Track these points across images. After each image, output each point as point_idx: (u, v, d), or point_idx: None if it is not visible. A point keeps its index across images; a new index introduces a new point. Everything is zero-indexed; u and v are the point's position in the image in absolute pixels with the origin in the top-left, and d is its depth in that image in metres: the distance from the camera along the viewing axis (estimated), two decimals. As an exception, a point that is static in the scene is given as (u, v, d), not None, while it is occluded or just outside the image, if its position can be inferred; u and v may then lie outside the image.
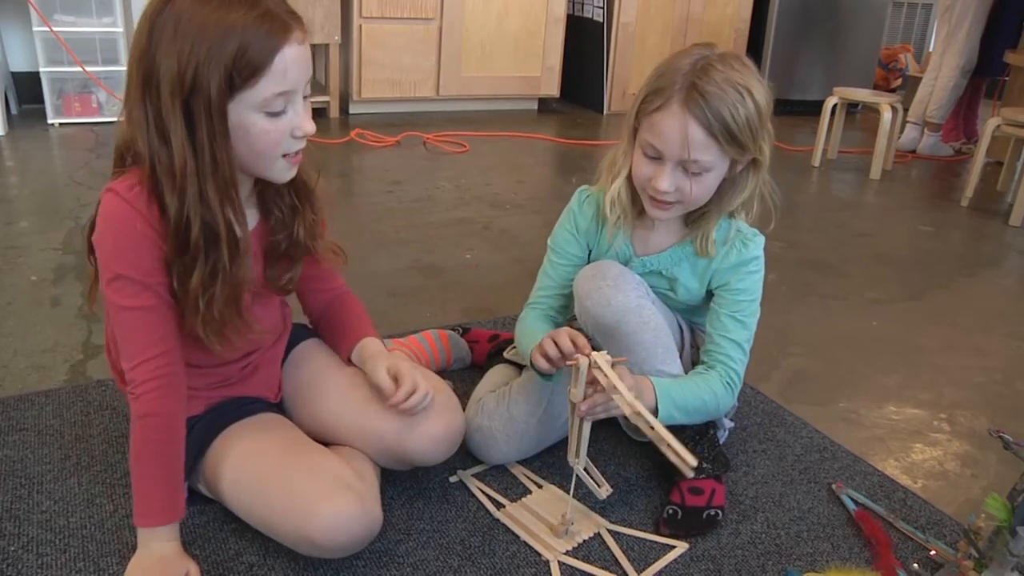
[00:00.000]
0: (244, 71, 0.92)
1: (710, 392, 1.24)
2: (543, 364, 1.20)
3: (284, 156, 1.01)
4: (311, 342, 1.31)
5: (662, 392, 1.20)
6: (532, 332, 1.32)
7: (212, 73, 0.91)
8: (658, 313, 1.27)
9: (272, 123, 0.97)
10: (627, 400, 1.08)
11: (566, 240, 1.37)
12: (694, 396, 1.23)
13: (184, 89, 0.92)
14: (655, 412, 1.20)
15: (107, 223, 0.99)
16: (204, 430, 1.13)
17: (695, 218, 1.29)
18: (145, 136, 0.95)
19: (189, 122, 0.94)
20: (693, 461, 1.04)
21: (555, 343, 1.17)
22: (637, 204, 1.29)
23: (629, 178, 1.26)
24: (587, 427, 1.17)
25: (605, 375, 1.10)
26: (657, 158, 1.19)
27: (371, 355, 1.21)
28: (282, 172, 1.04)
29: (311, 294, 1.28)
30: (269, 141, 0.98)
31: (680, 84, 1.14)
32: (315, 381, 1.25)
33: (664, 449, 1.07)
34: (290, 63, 0.95)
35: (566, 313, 1.40)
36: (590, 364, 1.11)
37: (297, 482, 1.04)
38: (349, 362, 1.25)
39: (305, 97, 1.01)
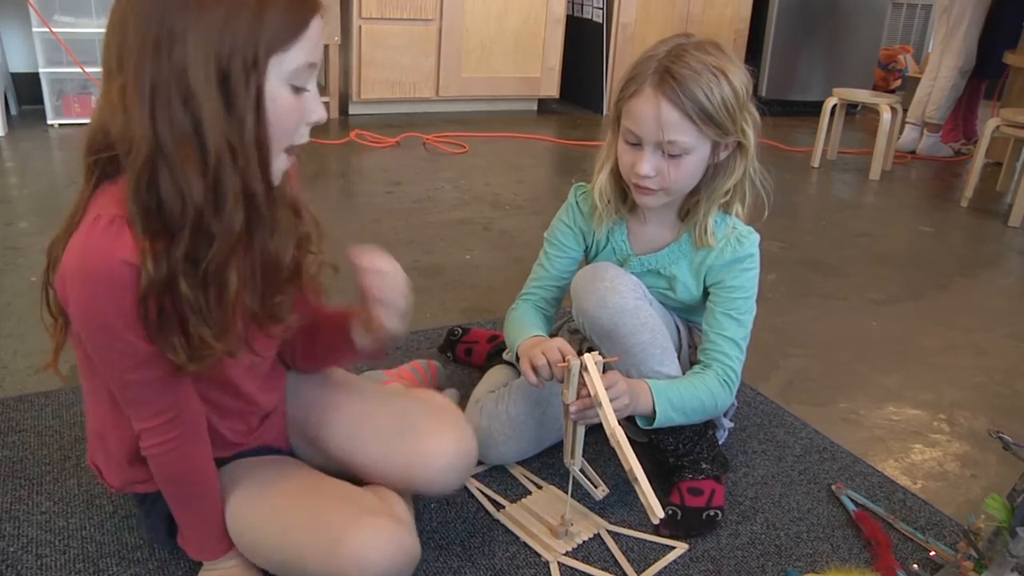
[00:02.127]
0: (284, 32, 0.83)
1: (708, 391, 1.24)
2: (532, 378, 1.19)
3: (287, 151, 0.91)
4: (298, 377, 1.19)
5: (659, 394, 1.20)
6: (521, 324, 1.32)
7: (258, 32, 0.81)
8: (655, 314, 1.27)
9: (295, 101, 0.87)
10: (608, 421, 1.07)
11: (563, 232, 1.37)
12: (692, 396, 1.23)
13: (223, 50, 0.80)
14: (652, 415, 1.20)
15: (83, 283, 0.84)
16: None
17: (688, 208, 1.29)
18: (148, 115, 0.80)
19: (226, 94, 0.81)
20: (659, 512, 1.06)
21: (545, 357, 1.18)
22: (629, 199, 1.30)
23: (614, 171, 1.28)
24: (581, 428, 1.17)
25: (593, 385, 1.09)
26: (637, 144, 1.20)
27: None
28: (279, 169, 0.91)
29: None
30: (288, 123, 0.88)
31: (654, 69, 1.17)
32: (317, 419, 1.15)
33: (636, 487, 1.07)
34: (319, 33, 0.88)
35: (557, 306, 1.41)
36: (581, 366, 1.11)
37: (323, 512, 0.97)
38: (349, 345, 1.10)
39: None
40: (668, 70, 1.15)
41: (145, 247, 0.83)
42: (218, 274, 0.87)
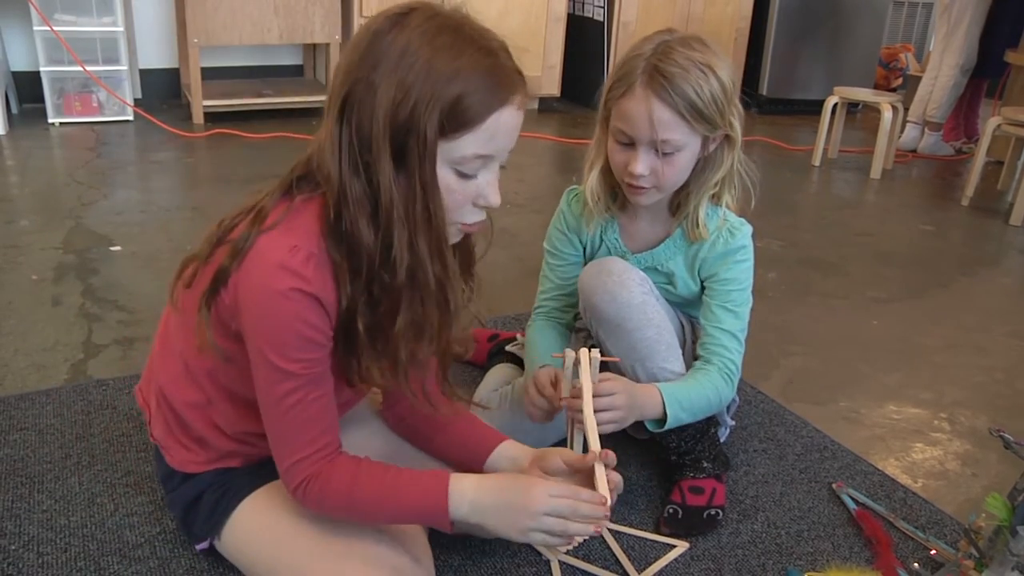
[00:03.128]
0: (455, 120, 0.83)
1: (712, 388, 1.25)
2: (536, 415, 1.20)
3: (459, 223, 0.91)
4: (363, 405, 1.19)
5: (669, 398, 1.20)
6: (533, 348, 1.33)
7: (430, 114, 0.82)
8: (661, 310, 1.27)
9: (459, 184, 0.87)
10: (586, 421, 1.05)
11: (559, 240, 1.37)
12: (698, 396, 1.23)
13: (397, 123, 0.82)
14: (664, 419, 1.20)
15: (268, 310, 0.86)
16: (238, 486, 1.03)
17: (679, 202, 1.29)
18: (337, 160, 0.84)
19: (399, 161, 0.84)
20: (605, 493, 0.97)
21: (534, 385, 1.19)
22: (620, 198, 1.30)
23: (604, 170, 1.28)
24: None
25: (582, 387, 1.08)
26: (629, 144, 1.20)
27: (537, 451, 1.08)
28: (450, 238, 0.92)
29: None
30: (451, 202, 0.88)
31: (643, 68, 1.16)
32: (368, 443, 1.12)
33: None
34: (501, 128, 0.86)
35: (571, 312, 1.40)
36: (576, 360, 1.11)
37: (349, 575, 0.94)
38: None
39: (502, 166, 0.91)
40: (657, 68, 1.15)
41: (340, 276, 0.87)
42: (387, 322, 0.90)
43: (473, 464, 1.08)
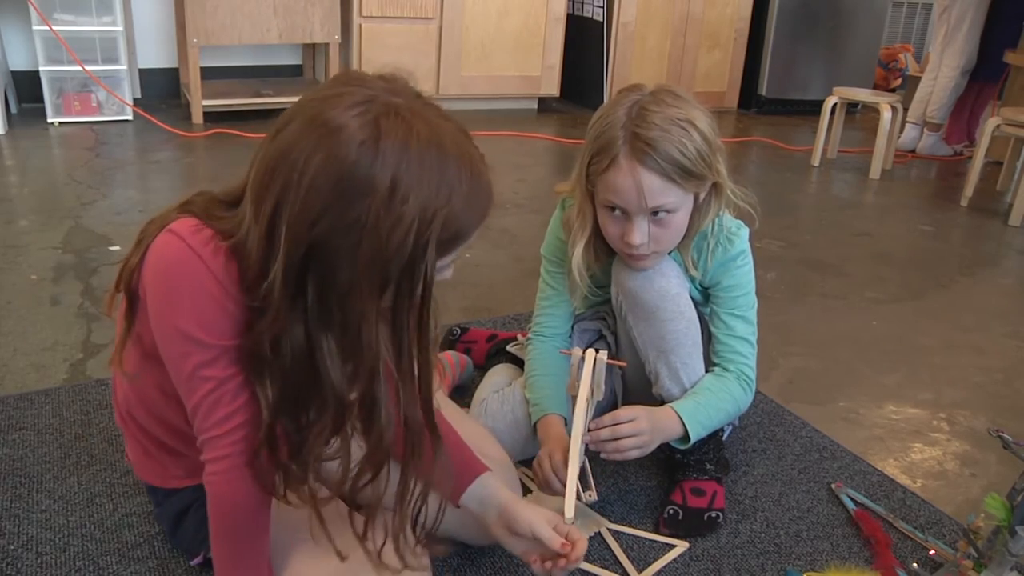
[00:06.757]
0: (447, 246, 0.82)
1: (731, 399, 1.25)
2: (555, 486, 1.18)
3: None
4: None
5: (689, 419, 1.20)
6: (538, 384, 1.31)
7: (429, 249, 0.78)
8: (692, 306, 1.26)
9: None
10: (577, 422, 1.06)
11: (558, 248, 1.34)
12: (717, 410, 1.23)
13: (387, 263, 0.77)
14: (686, 438, 1.21)
15: (165, 272, 0.83)
16: None
17: None
18: (293, 313, 0.79)
19: (383, 304, 0.80)
20: (570, 514, 1.02)
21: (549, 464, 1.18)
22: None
23: (593, 240, 1.24)
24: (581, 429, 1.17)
25: (583, 385, 1.09)
26: (622, 214, 1.17)
27: (509, 498, 1.04)
28: None
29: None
30: None
31: (622, 137, 1.12)
32: None
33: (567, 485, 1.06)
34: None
35: (572, 321, 1.38)
36: (582, 359, 1.11)
37: None
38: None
39: None
40: (637, 135, 1.10)
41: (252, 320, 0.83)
42: (307, 437, 0.87)
43: (452, 493, 1.03)
